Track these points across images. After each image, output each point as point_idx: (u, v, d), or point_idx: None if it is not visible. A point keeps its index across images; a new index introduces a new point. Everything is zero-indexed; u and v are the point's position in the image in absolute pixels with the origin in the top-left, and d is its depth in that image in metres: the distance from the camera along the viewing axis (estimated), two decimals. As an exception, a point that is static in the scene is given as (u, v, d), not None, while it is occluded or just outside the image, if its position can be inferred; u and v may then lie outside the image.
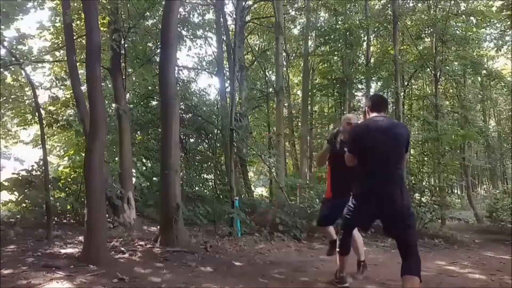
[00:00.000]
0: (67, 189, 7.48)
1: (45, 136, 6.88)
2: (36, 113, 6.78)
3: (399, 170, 2.87)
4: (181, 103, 9.36)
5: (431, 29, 10.71)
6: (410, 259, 3.01)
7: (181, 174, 7.21)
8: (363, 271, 3.94)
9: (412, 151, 11.78)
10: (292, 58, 17.22)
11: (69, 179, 7.62)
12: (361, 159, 2.93)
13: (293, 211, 7.13)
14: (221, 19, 12.37)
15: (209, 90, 21.35)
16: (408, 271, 2.95)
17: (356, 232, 3.72)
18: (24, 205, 7.11)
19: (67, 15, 5.44)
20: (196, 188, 10.33)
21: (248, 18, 13.70)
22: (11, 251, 4.59)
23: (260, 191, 15.39)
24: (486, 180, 23.29)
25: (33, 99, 6.40)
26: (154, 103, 10.89)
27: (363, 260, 3.97)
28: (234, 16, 11.50)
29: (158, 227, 6.01)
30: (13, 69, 6.46)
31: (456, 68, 12.38)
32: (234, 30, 10.48)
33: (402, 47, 11.17)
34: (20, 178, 6.89)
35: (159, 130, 8.38)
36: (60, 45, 8.37)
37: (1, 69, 6.24)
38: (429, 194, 8.41)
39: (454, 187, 18.98)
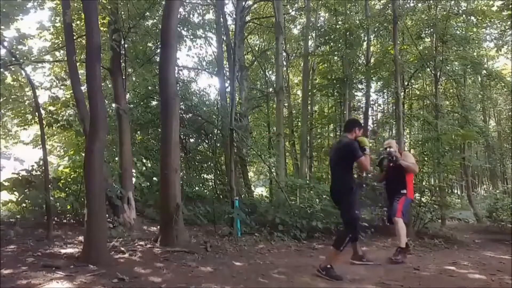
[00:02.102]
0: (67, 189, 7.48)
1: (45, 136, 6.88)
2: (36, 113, 6.78)
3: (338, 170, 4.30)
4: (181, 103, 9.36)
5: (432, 29, 10.70)
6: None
7: (181, 174, 7.22)
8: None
9: (412, 151, 11.79)
10: (292, 58, 17.22)
11: (69, 179, 7.62)
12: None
13: (293, 211, 7.14)
14: (221, 19, 12.38)
15: (209, 90, 21.29)
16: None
17: None
18: (24, 205, 7.11)
19: (67, 15, 5.44)
20: (196, 188, 10.34)
21: (248, 18, 13.71)
22: (11, 251, 4.59)
23: (260, 191, 15.39)
24: (486, 180, 23.27)
25: (33, 99, 6.40)
26: (154, 103, 10.89)
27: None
28: (234, 16, 11.52)
29: (158, 227, 6.02)
30: (13, 69, 6.46)
31: (456, 68, 12.37)
32: (234, 30, 10.48)
33: (402, 47, 11.15)
34: (20, 178, 6.89)
35: (159, 130, 8.38)
36: (60, 45, 8.38)
37: (1, 69, 6.24)
38: (429, 194, 8.40)
39: (454, 187, 18.97)
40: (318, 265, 4.06)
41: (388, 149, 5.15)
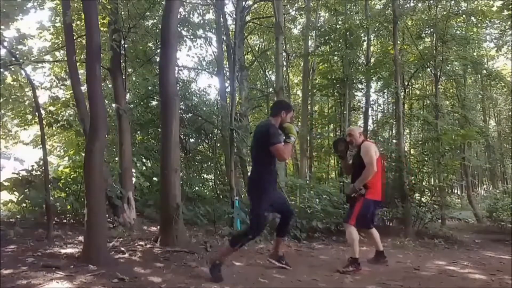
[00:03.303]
0: (67, 189, 7.47)
1: (45, 136, 6.88)
2: (36, 113, 6.78)
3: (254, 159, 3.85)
4: (181, 103, 9.36)
5: (432, 29, 10.70)
6: None
7: (181, 174, 7.21)
8: None
9: (412, 151, 11.79)
10: (292, 58, 17.22)
11: (69, 179, 7.61)
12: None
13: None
14: (221, 19, 12.37)
15: (209, 90, 21.28)
16: None
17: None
18: (24, 205, 7.11)
19: (67, 15, 5.44)
20: (196, 188, 10.32)
21: (248, 18, 13.69)
22: (11, 251, 4.59)
23: (260, 191, 15.36)
24: (486, 180, 23.27)
25: (33, 99, 6.40)
26: (154, 103, 10.88)
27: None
28: (234, 16, 11.51)
29: (158, 227, 6.01)
30: (13, 69, 6.45)
31: (457, 68, 12.37)
32: (234, 30, 10.48)
33: (402, 47, 11.15)
34: (20, 178, 6.89)
35: (159, 130, 8.38)
36: (60, 45, 8.38)
37: (1, 69, 6.24)
38: (429, 194, 8.41)
39: (454, 187, 18.98)
40: (318, 265, 4.05)
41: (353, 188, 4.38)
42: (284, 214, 4.14)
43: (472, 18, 10.78)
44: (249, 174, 3.95)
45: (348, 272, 4.13)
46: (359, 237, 4.38)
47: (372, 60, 12.43)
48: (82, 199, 6.39)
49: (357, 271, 4.17)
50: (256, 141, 3.78)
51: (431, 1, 10.85)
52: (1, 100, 7.56)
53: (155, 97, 10.45)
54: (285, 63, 15.25)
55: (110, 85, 8.49)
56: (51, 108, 8.36)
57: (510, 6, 8.32)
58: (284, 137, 3.72)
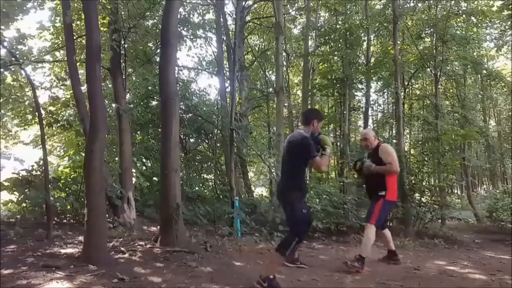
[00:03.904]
0: (67, 189, 7.47)
1: (45, 136, 6.87)
2: (36, 113, 6.78)
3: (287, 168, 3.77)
4: (181, 103, 9.36)
5: (432, 29, 10.70)
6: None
7: (181, 174, 7.22)
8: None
9: (412, 151, 11.78)
10: (292, 58, 17.22)
11: (69, 179, 7.61)
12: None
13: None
14: (221, 19, 12.38)
15: (209, 90, 21.36)
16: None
17: None
18: (24, 205, 7.11)
19: (67, 15, 5.45)
20: (196, 188, 10.33)
21: (248, 18, 13.71)
22: (11, 251, 4.59)
23: (260, 191, 15.40)
24: (486, 180, 23.28)
25: (33, 99, 6.40)
26: (154, 103, 10.89)
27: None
28: (234, 16, 11.52)
29: (158, 227, 6.01)
30: (13, 69, 6.45)
31: (457, 68, 12.37)
32: (234, 30, 10.48)
33: (402, 47, 11.15)
34: (20, 178, 6.89)
35: (159, 130, 8.38)
36: (60, 45, 8.39)
37: (1, 69, 6.24)
38: (429, 194, 8.41)
39: (454, 187, 18.97)
40: (317, 264, 4.04)
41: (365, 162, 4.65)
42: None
43: (472, 18, 10.77)
44: (281, 182, 3.92)
45: (353, 267, 4.21)
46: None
47: (372, 60, 12.43)
48: (82, 199, 6.39)
49: (360, 270, 4.21)
50: (289, 151, 3.76)
51: (431, 1, 10.85)
52: (1, 100, 7.56)
53: (155, 97, 10.45)
54: (285, 63, 15.26)
55: (110, 85, 8.49)
56: (51, 108, 8.36)
57: (510, 6, 8.32)
58: (321, 149, 3.73)
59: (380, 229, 4.65)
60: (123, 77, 7.39)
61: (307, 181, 10.92)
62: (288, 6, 15.42)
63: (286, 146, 3.83)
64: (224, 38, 12.26)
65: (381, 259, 4.84)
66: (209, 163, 11.51)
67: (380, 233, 4.79)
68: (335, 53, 12.27)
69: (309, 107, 15.09)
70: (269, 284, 3.39)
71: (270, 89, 15.22)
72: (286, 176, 3.77)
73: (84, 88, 5.55)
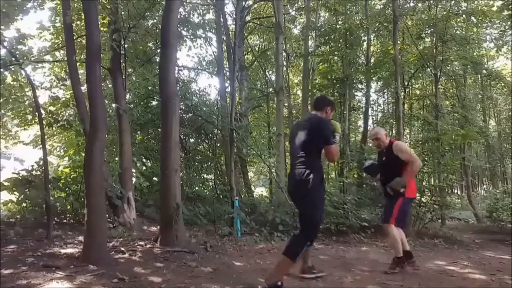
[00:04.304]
0: (67, 189, 7.48)
1: (45, 136, 6.88)
2: (36, 113, 6.78)
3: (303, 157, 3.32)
4: (181, 103, 9.36)
5: (432, 29, 10.69)
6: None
7: (181, 174, 7.22)
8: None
9: (412, 151, 11.77)
10: (292, 58, 17.22)
11: (69, 179, 7.62)
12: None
13: (293, 211, 7.13)
14: (221, 19, 12.39)
15: (209, 90, 21.40)
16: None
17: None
18: (24, 205, 7.12)
19: (67, 15, 5.45)
20: (196, 188, 10.34)
21: (248, 18, 13.72)
22: (11, 251, 4.59)
23: (260, 191, 15.40)
24: (486, 180, 23.28)
25: (33, 99, 6.41)
26: (154, 103, 10.89)
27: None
28: (234, 16, 11.52)
29: (158, 227, 6.01)
30: (13, 69, 6.45)
31: (457, 68, 12.37)
32: (234, 30, 10.48)
33: (402, 47, 11.14)
34: (20, 178, 6.89)
35: (159, 130, 8.39)
36: (60, 45, 8.40)
37: (1, 69, 6.24)
38: (429, 194, 8.41)
39: (454, 187, 18.97)
40: (317, 264, 4.02)
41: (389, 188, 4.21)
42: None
43: (472, 18, 10.77)
44: (292, 176, 3.41)
45: (395, 272, 4.09)
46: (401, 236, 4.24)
47: (372, 60, 12.43)
48: (82, 199, 6.39)
49: (403, 270, 4.14)
50: (304, 137, 3.33)
51: (431, 1, 10.85)
52: (1, 100, 7.56)
53: (155, 97, 10.46)
54: (285, 63, 15.26)
55: (110, 85, 8.49)
56: (51, 108, 8.36)
57: (510, 6, 8.31)
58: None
59: (400, 227, 4.37)
60: (123, 77, 7.39)
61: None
62: (288, 6, 15.42)
63: (298, 132, 3.40)
64: (224, 38, 12.26)
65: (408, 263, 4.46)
66: (209, 163, 11.51)
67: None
68: (335, 53, 12.27)
69: (309, 107, 15.12)
70: None
71: (270, 89, 15.23)
72: (299, 167, 3.27)
73: (84, 88, 5.55)
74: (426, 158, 8.64)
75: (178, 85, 9.41)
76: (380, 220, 5.26)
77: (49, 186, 6.12)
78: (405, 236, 4.49)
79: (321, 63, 14.06)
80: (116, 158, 8.23)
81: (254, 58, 15.53)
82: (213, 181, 10.91)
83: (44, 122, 6.66)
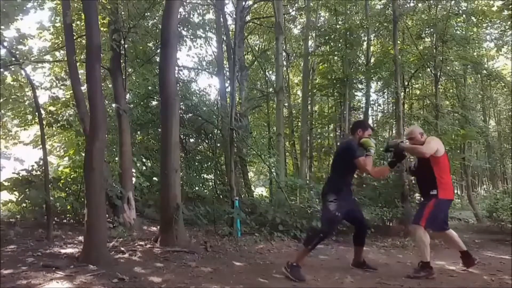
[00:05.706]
0: (67, 189, 7.48)
1: (45, 136, 6.88)
2: (36, 113, 6.78)
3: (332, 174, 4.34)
4: (181, 103, 9.36)
5: (432, 29, 10.69)
6: None
7: (181, 174, 7.22)
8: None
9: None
10: (292, 58, 17.21)
11: (69, 179, 7.62)
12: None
13: (293, 211, 7.14)
14: (221, 19, 12.38)
15: (209, 90, 21.31)
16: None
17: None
18: (24, 205, 7.12)
19: (67, 15, 5.44)
20: (196, 188, 10.33)
21: (248, 18, 13.70)
22: (11, 251, 4.60)
23: (260, 191, 15.38)
24: (486, 180, 23.26)
25: (33, 99, 6.41)
26: (154, 103, 10.88)
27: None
28: (234, 16, 11.51)
29: (158, 227, 6.02)
30: (13, 69, 6.45)
31: (457, 68, 12.36)
32: (234, 30, 10.48)
33: (402, 47, 11.13)
34: (20, 178, 6.89)
35: (159, 130, 8.38)
36: (60, 45, 8.39)
37: (1, 69, 6.24)
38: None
39: (454, 187, 18.93)
40: (317, 264, 4.05)
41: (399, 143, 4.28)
42: (359, 224, 4.40)
43: (472, 18, 10.75)
44: (327, 181, 4.51)
45: (420, 278, 3.88)
46: (430, 240, 4.05)
47: (372, 60, 12.43)
48: (82, 199, 6.40)
49: (429, 276, 3.92)
50: (337, 155, 4.33)
51: (431, 1, 10.84)
52: (1, 100, 7.56)
53: (155, 97, 10.45)
54: (285, 63, 15.25)
55: (110, 85, 8.49)
56: (51, 108, 8.35)
57: (510, 6, 8.30)
58: (365, 151, 4.01)
59: (440, 230, 4.32)
60: (123, 77, 7.39)
61: (307, 180, 10.93)
62: (288, 6, 15.41)
63: (334, 154, 4.60)
64: (224, 38, 12.25)
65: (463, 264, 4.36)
66: (209, 163, 11.50)
67: (442, 236, 4.55)
68: (335, 53, 12.27)
69: (309, 107, 15.12)
70: (291, 270, 3.80)
71: (270, 89, 15.22)
72: (328, 179, 4.41)
73: (84, 88, 5.54)
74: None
75: (178, 85, 9.40)
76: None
77: (49, 186, 6.13)
78: (457, 236, 4.39)
79: (321, 63, 14.07)
80: (116, 158, 8.23)
81: (254, 58, 15.52)
82: (213, 181, 10.89)
83: (44, 122, 6.65)
